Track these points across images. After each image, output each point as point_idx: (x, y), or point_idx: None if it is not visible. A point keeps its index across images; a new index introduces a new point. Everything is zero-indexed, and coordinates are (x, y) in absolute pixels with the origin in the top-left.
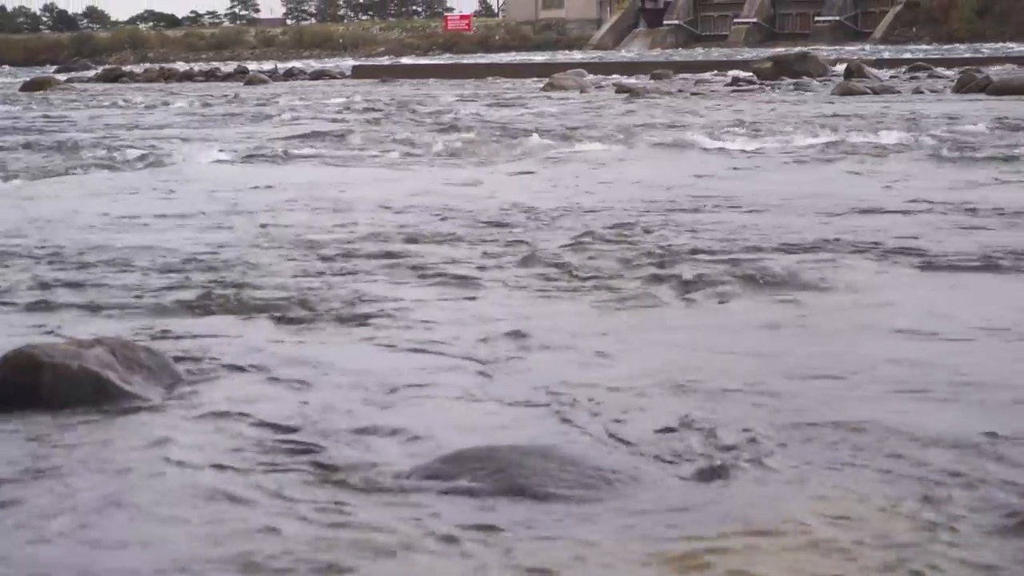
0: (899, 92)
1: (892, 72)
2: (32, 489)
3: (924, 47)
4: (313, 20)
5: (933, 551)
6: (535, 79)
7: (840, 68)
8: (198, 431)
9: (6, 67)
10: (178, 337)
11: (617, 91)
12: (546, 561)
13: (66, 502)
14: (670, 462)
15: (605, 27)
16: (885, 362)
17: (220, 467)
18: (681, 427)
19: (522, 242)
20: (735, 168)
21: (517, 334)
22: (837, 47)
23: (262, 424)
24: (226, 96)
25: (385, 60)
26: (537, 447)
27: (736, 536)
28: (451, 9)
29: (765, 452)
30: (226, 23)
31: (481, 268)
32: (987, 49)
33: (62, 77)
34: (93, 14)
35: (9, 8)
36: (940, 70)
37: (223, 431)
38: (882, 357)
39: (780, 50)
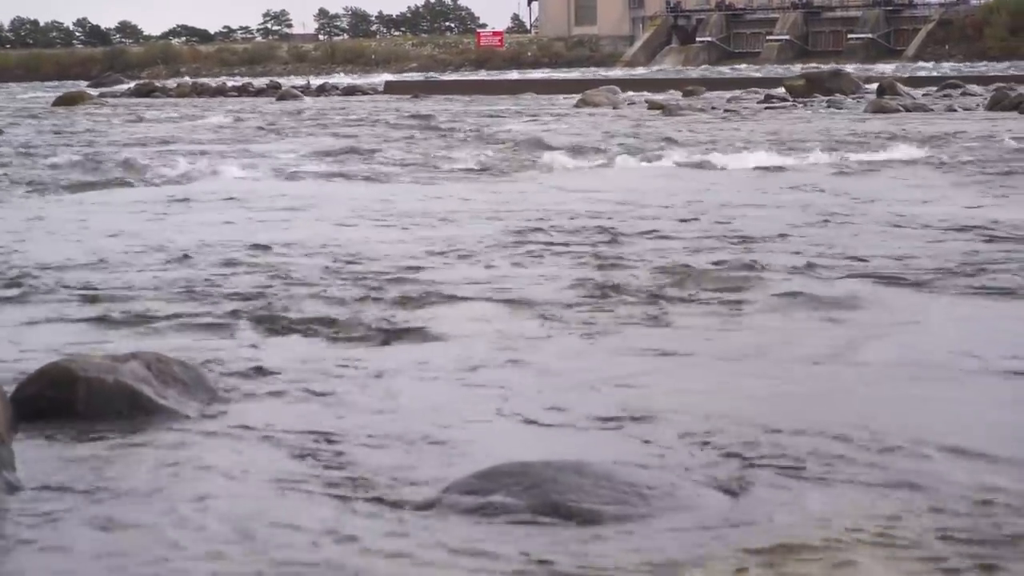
0: (932, 110)
1: (924, 90)
2: (64, 502)
3: (957, 65)
4: (345, 36)
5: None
6: (567, 95)
7: (872, 86)
8: (233, 445)
9: (39, 82)
10: (213, 351)
11: (650, 108)
12: None
13: (98, 516)
14: (705, 477)
15: (638, 44)
16: (931, 375)
17: (255, 482)
18: (715, 442)
19: (563, 253)
20: (770, 184)
21: (551, 350)
22: (869, 65)
23: (298, 439)
24: (259, 111)
25: (417, 76)
26: (570, 463)
27: (775, 552)
28: (484, 25)
29: (802, 467)
30: (258, 38)
31: (516, 279)
32: (1021, 67)
33: (94, 92)
34: (126, 29)
35: (42, 23)
36: (973, 88)
37: (258, 446)
38: (919, 373)
39: (813, 67)
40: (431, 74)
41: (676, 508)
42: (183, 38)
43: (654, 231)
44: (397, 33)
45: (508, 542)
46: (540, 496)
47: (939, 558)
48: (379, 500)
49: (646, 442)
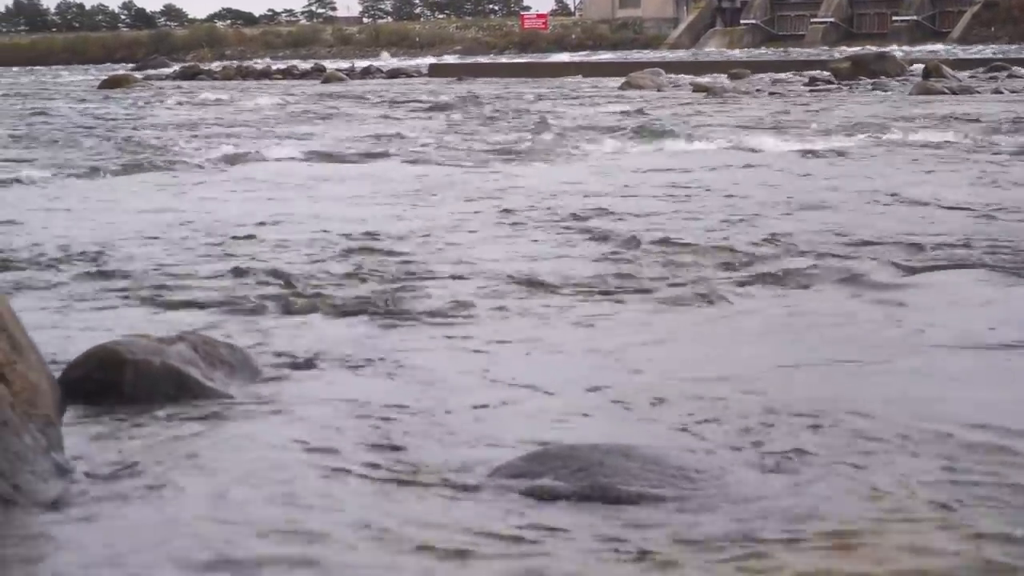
0: (978, 92)
1: (970, 72)
2: (112, 483)
3: (1003, 47)
4: (389, 18)
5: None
6: (612, 78)
7: (918, 68)
8: (279, 427)
9: (85, 65)
10: (260, 333)
11: (694, 90)
12: (634, 561)
13: (146, 497)
14: (754, 460)
15: (682, 26)
16: (973, 358)
17: (302, 463)
18: (763, 424)
19: (607, 237)
20: (819, 167)
21: (597, 332)
22: (914, 47)
23: (343, 421)
24: (303, 94)
25: (461, 59)
26: (618, 446)
27: (826, 537)
28: (528, 8)
29: (850, 450)
30: (303, 21)
31: (562, 260)
32: None
33: (139, 75)
34: (171, 12)
35: (88, 7)
36: (1019, 70)
37: (305, 428)
38: (972, 348)
39: (857, 50)
40: (475, 57)
41: (725, 491)
42: (228, 21)
43: (697, 212)
44: (441, 16)
45: (556, 525)
46: (588, 479)
47: (996, 541)
48: (426, 482)
49: (695, 425)
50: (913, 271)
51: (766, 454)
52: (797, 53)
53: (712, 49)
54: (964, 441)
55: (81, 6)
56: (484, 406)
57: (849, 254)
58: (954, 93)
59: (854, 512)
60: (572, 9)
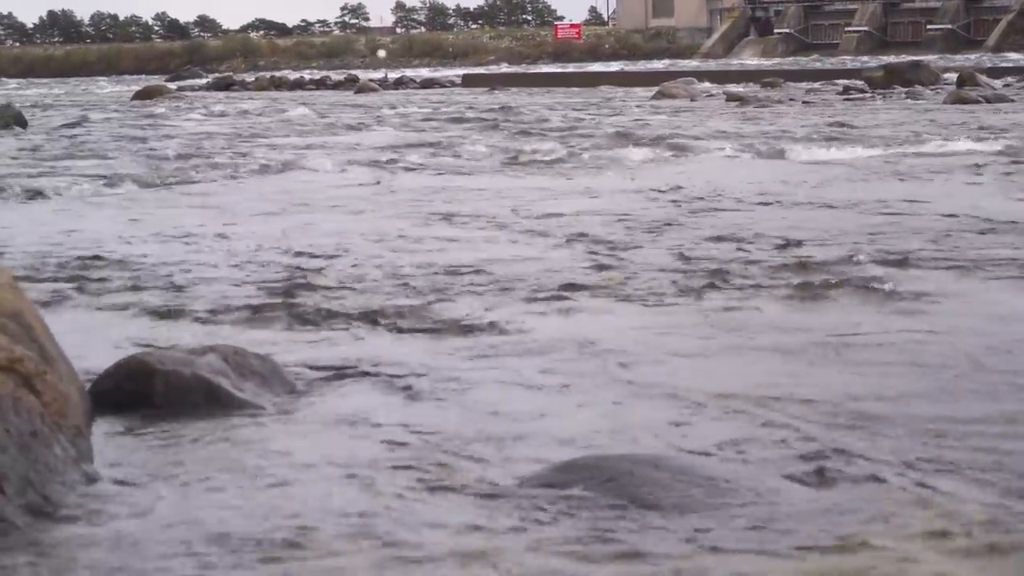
0: (1012, 101)
1: (1005, 80)
2: (142, 493)
3: None
4: (423, 29)
5: None
6: (645, 87)
7: (952, 76)
8: (310, 437)
9: (118, 76)
10: (289, 344)
11: (728, 100)
12: (665, 573)
13: (176, 507)
14: (787, 471)
15: (715, 35)
16: (995, 365)
17: (332, 473)
18: (794, 435)
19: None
20: (854, 177)
21: (629, 345)
22: (949, 56)
23: (373, 431)
24: (336, 104)
25: (495, 69)
26: (648, 456)
27: (855, 549)
28: (561, 18)
29: (880, 459)
30: (336, 32)
31: (597, 270)
32: None
33: (173, 86)
34: (204, 22)
35: (121, 17)
36: None
37: (336, 438)
38: (981, 356)
39: (891, 59)
40: (508, 66)
41: (756, 503)
42: (261, 32)
43: (734, 220)
44: (475, 26)
45: (586, 536)
46: (618, 490)
47: None
48: (455, 492)
49: (726, 435)
50: (947, 280)
51: (800, 465)
52: (830, 62)
53: (746, 58)
54: (1011, 455)
55: (115, 17)
56: (516, 417)
57: (878, 260)
58: (988, 101)
59: (881, 528)
60: (606, 19)
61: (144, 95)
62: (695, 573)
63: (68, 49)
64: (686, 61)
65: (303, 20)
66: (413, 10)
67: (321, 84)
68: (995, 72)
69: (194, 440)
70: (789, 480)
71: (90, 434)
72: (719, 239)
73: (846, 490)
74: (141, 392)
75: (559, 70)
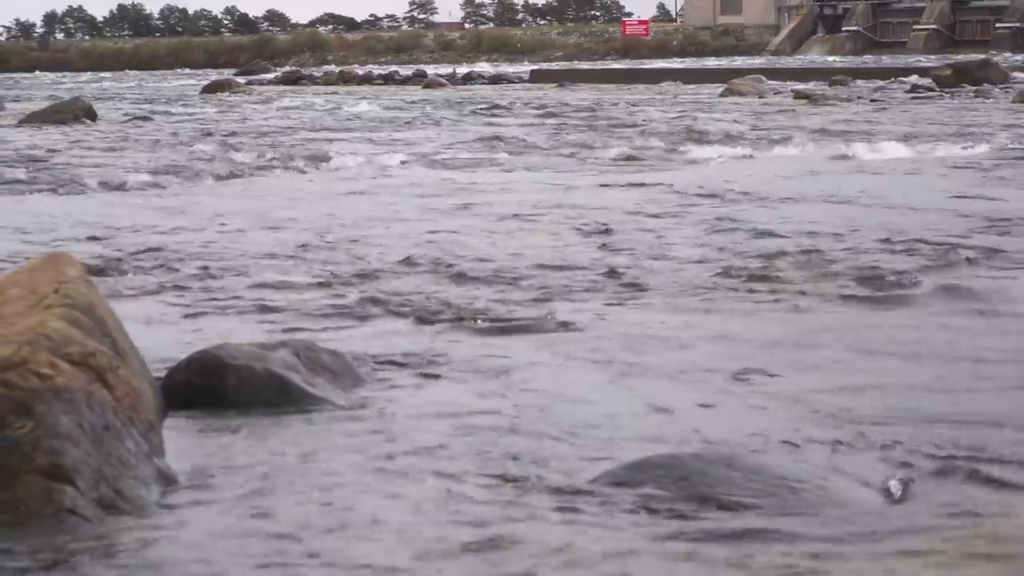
0: None
1: None
2: (214, 488)
3: None
4: (491, 24)
5: None
6: (713, 84)
7: (1022, 76)
8: (382, 433)
9: (188, 69)
10: (361, 339)
11: (795, 97)
12: (732, 570)
13: (249, 502)
14: (858, 473)
15: (783, 33)
16: None
17: (405, 469)
18: (869, 437)
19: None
20: (937, 176)
21: (696, 341)
22: (1019, 54)
23: (443, 427)
24: (404, 99)
25: (563, 65)
26: (721, 455)
27: (929, 555)
28: (629, 14)
29: (963, 466)
30: (404, 27)
31: (659, 268)
32: None
33: (242, 80)
34: (273, 17)
35: (191, 12)
36: None
37: (408, 434)
38: None
39: (960, 57)
40: (577, 63)
41: (827, 504)
42: (330, 26)
43: (805, 222)
44: (543, 22)
45: (659, 534)
46: (690, 489)
47: None
48: (527, 490)
49: (799, 435)
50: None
51: (871, 468)
52: (899, 60)
53: (814, 56)
54: None
55: (184, 11)
56: (586, 414)
57: (948, 262)
58: None
59: (958, 533)
60: (674, 16)
61: (213, 89)
62: (768, 574)
63: (137, 43)
64: (753, 58)
65: (371, 15)
66: (482, 5)
67: (389, 79)
68: None
69: (266, 435)
70: (866, 485)
71: (162, 428)
72: (812, 235)
73: (923, 499)
74: (213, 387)
75: (628, 66)
